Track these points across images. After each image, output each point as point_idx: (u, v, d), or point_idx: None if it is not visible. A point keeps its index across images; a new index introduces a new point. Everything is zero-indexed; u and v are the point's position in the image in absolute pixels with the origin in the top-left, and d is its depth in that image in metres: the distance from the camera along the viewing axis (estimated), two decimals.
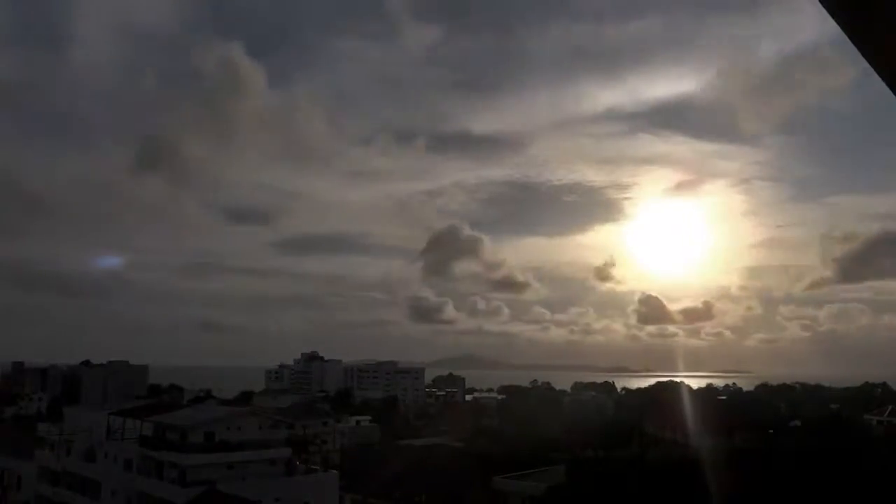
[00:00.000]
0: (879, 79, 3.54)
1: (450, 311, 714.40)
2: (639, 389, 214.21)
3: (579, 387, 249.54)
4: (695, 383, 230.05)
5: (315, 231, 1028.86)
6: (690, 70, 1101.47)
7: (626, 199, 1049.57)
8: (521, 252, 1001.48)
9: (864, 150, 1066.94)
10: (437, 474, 66.66)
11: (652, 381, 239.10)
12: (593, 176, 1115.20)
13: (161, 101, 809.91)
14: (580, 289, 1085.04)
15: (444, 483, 64.88)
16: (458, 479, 64.83)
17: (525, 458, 70.79)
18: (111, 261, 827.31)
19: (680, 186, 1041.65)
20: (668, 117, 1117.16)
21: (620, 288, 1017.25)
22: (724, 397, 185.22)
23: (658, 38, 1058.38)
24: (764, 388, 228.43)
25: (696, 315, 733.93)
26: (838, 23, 3.09)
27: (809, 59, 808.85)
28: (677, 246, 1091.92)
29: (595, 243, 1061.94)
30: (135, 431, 63.74)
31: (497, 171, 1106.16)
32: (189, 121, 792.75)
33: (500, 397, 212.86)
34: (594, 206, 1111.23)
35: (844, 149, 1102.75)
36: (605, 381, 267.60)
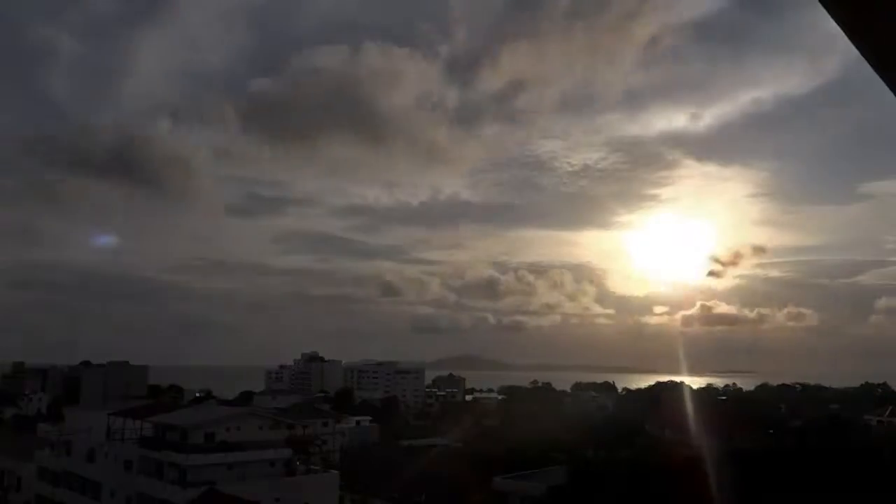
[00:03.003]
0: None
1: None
2: (639, 389, 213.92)
3: (580, 387, 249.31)
4: (695, 383, 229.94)
5: None
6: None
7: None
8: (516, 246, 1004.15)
9: None
10: (437, 474, 66.61)
11: (652, 381, 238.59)
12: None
13: None
14: (580, 287, 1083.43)
15: (444, 483, 64.85)
16: (458, 480, 64.75)
17: (525, 459, 70.68)
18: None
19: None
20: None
21: (621, 289, 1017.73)
22: (724, 397, 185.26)
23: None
24: (764, 388, 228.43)
25: (697, 315, 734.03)
26: (838, 23, 3.08)
27: None
28: (678, 247, 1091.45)
29: (594, 242, 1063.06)
30: (135, 432, 63.79)
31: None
32: None
33: (500, 397, 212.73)
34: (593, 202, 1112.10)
35: None
36: (606, 381, 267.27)
